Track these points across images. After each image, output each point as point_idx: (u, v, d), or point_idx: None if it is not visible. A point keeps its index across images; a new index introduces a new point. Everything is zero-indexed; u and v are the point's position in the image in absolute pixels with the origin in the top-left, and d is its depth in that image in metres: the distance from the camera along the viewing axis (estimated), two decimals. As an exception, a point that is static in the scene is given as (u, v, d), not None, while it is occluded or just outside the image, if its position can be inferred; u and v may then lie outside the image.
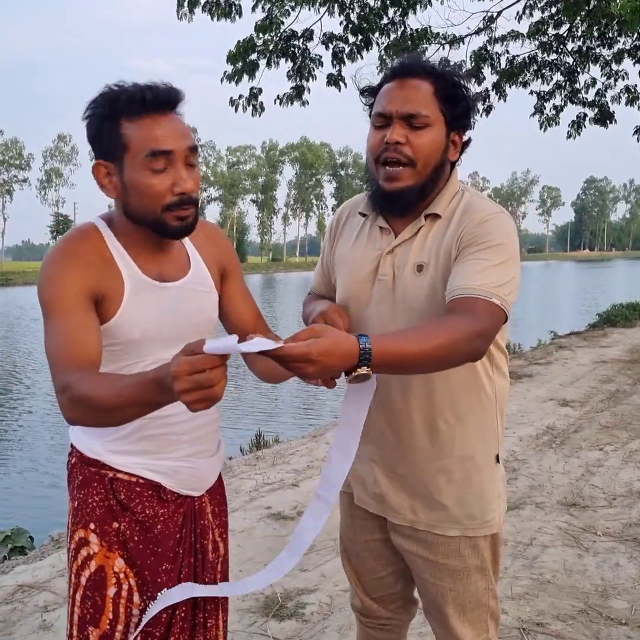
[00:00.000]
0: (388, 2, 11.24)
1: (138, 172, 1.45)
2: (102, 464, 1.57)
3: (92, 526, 1.55)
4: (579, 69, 13.33)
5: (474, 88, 1.67)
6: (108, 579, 1.54)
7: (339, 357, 1.24)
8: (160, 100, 1.45)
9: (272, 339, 1.73)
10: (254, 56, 11.19)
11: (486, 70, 12.66)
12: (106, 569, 1.54)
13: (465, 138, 1.68)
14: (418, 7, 11.53)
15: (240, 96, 11.56)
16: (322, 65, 11.51)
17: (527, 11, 12.48)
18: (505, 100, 13.02)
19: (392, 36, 11.68)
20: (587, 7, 10.65)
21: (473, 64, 12.56)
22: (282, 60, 11.47)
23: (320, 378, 1.29)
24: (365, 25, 11.29)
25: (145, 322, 1.52)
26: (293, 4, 10.75)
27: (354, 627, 2.89)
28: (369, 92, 1.69)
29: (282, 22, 11.14)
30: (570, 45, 12.99)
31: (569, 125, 13.84)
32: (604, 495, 4.43)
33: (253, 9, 10.84)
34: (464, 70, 1.68)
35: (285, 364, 1.22)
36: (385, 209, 1.68)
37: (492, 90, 12.90)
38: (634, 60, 13.02)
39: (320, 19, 11.33)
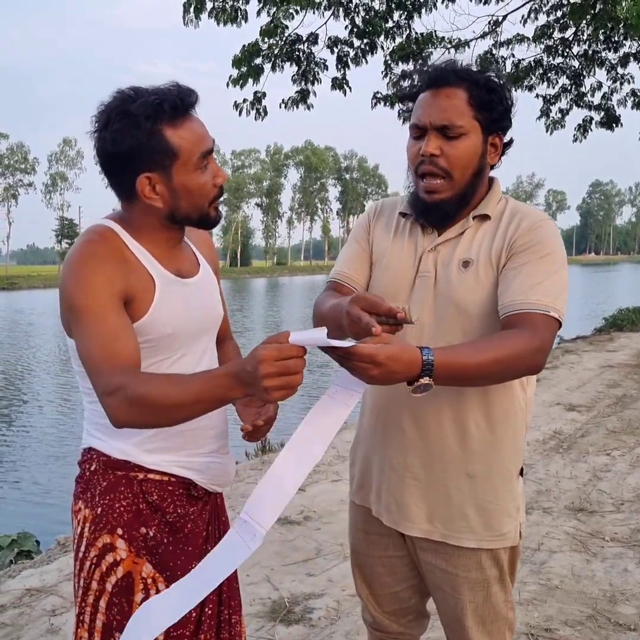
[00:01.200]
0: (393, 5, 11.25)
1: (190, 174, 1.49)
2: (133, 465, 1.56)
3: (119, 531, 1.53)
4: (584, 73, 13.32)
5: (510, 88, 1.65)
6: (136, 585, 1.53)
7: (403, 364, 1.30)
8: (191, 103, 1.49)
9: (233, 347, 1.84)
10: (259, 60, 11.22)
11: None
12: (134, 575, 1.53)
13: (506, 139, 1.67)
14: (423, 10, 11.54)
15: (245, 100, 11.59)
16: (327, 69, 11.54)
17: (532, 15, 12.48)
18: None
19: (398, 40, 11.69)
20: (592, 11, 10.66)
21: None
22: (287, 64, 11.49)
23: (383, 383, 1.32)
24: (370, 29, 11.30)
25: (176, 318, 1.55)
26: (298, 8, 10.76)
27: (362, 632, 2.90)
28: (407, 98, 1.69)
29: (287, 27, 11.17)
30: (576, 49, 12.99)
31: (574, 128, 13.83)
32: (611, 500, 4.42)
33: (258, 13, 10.88)
34: (500, 72, 1.68)
35: (352, 364, 1.28)
36: (427, 219, 1.69)
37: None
38: (639, 64, 13.01)
39: (325, 23, 11.36)
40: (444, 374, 1.35)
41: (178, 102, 1.45)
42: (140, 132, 1.43)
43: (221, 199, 1.58)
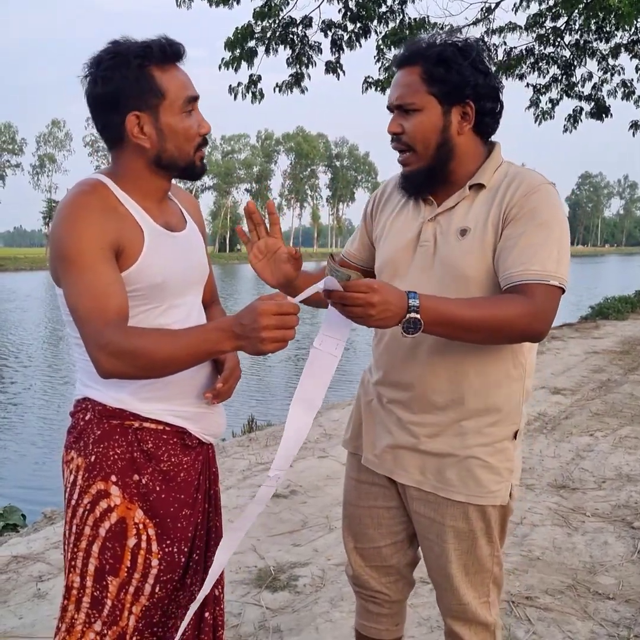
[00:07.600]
0: (387, -10, 11.23)
1: (175, 116, 1.55)
2: (128, 414, 1.58)
3: (113, 478, 1.56)
4: (575, 63, 13.34)
5: (480, 55, 1.68)
6: (129, 530, 1.57)
7: (395, 296, 1.39)
8: (179, 52, 1.56)
9: (220, 311, 1.89)
10: (252, 43, 11.16)
11: (483, 61, 12.64)
12: (127, 520, 1.57)
13: (488, 106, 1.67)
14: (417, -4, 11.52)
15: (239, 83, 11.54)
16: (321, 53, 11.50)
17: (524, 3, 12.48)
18: (501, 92, 12.99)
19: (391, 25, 11.65)
20: (585, 0, 10.66)
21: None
22: (281, 47, 11.44)
23: (382, 314, 1.37)
24: (363, 12, 11.27)
25: (165, 268, 1.58)
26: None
27: (346, 598, 2.95)
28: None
29: (282, 9, 11.11)
30: (567, 39, 13.00)
31: (565, 119, 13.88)
32: (593, 478, 4.49)
33: (253, -5, 10.82)
34: (465, 42, 1.69)
35: (351, 297, 1.36)
36: (406, 190, 1.77)
37: (489, 82, 12.87)
38: (630, 55, 13.04)
39: (319, 5, 11.31)
40: (430, 318, 1.41)
41: (167, 47, 1.52)
42: (129, 71, 1.49)
43: (205, 150, 1.63)
